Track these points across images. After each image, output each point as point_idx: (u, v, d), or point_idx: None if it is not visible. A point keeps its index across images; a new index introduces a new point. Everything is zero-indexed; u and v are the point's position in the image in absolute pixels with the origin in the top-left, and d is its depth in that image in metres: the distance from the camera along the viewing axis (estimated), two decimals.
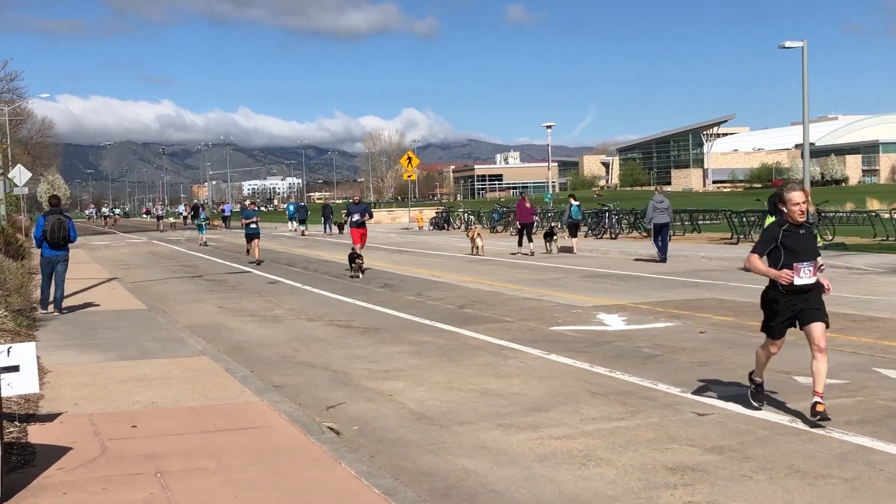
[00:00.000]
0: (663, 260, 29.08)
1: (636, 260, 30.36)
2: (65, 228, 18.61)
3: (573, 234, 35.34)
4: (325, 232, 61.56)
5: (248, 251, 34.75)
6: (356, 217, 30.08)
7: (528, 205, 35.45)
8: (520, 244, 34.70)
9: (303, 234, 59.26)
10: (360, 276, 26.27)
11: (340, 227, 59.56)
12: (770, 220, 24.41)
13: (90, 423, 9.33)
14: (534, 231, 36.85)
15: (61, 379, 11.69)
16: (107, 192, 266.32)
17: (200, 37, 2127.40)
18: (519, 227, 35.80)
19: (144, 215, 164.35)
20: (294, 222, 64.62)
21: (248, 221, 34.01)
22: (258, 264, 32.28)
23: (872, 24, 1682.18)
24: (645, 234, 40.14)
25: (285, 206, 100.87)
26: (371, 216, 31.67)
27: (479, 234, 35.96)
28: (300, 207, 65.92)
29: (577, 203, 36.47)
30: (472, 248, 35.34)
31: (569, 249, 34.65)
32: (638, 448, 8.41)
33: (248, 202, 39.15)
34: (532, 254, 34.01)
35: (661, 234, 29.62)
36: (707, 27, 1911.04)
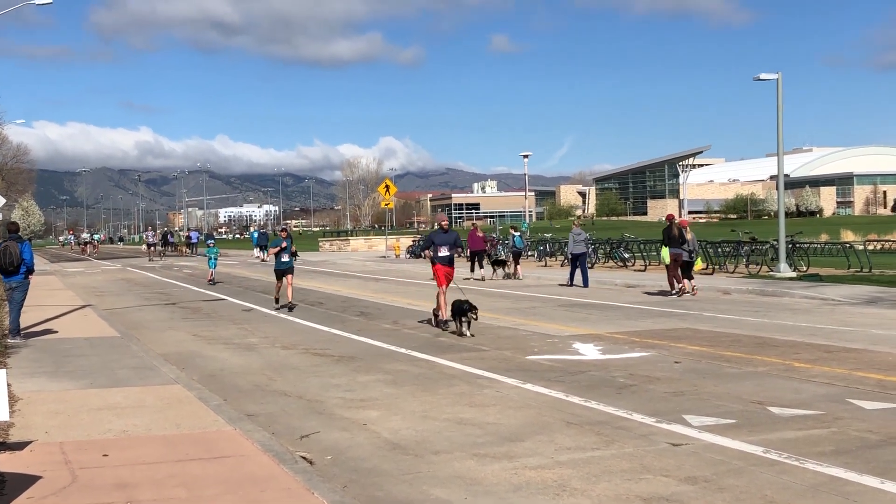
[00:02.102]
0: (585, 285, 31.51)
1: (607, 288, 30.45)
2: (12, 255, 18.25)
3: (516, 262, 37.76)
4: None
5: (276, 294, 26.08)
6: (444, 251, 20.50)
7: (479, 234, 38.34)
8: (472, 270, 37.23)
9: (263, 261, 60.41)
10: (469, 333, 18.81)
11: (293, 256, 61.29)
12: (665, 250, 27.92)
13: (61, 451, 9.23)
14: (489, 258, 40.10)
15: (32, 407, 11.58)
16: (82, 218, 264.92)
17: (185, 64, 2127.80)
18: (470, 254, 38.12)
19: (119, 242, 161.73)
20: (258, 248, 66.78)
21: (275, 251, 25.83)
22: (290, 310, 24.89)
23: (852, 57, 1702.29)
24: (620, 263, 41.90)
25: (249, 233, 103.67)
26: (462, 249, 22.80)
27: None
28: (262, 234, 69.60)
29: (519, 234, 39.21)
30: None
31: (513, 276, 36.97)
32: (612, 478, 8.39)
33: (279, 227, 28.39)
34: (483, 279, 36.13)
35: (580, 263, 32.19)
36: (685, 58, 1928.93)
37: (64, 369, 14.67)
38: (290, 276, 25.73)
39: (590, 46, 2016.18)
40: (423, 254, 20.34)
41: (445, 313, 19.81)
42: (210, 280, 37.88)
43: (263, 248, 63.44)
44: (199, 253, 77.69)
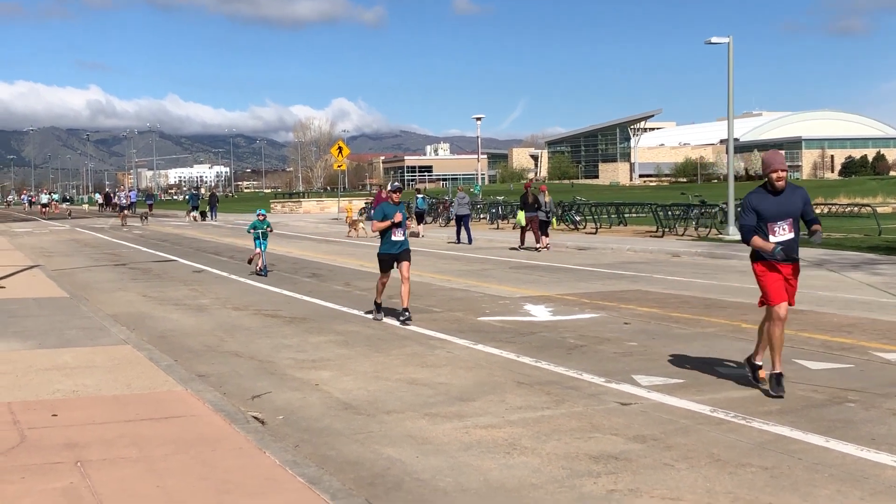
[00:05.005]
0: (469, 243, 35.72)
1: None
2: None
3: (420, 222, 42.86)
4: (211, 218, 67.16)
5: (379, 297, 16.23)
6: (785, 233, 10.01)
7: (384, 195, 43.23)
8: None
9: (194, 220, 65.43)
10: None
11: (203, 216, 66.37)
12: (521, 213, 32.24)
13: (9, 411, 9.15)
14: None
15: None
16: (29, 178, 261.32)
17: (142, 23, 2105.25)
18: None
19: (64, 203, 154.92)
20: (192, 209, 69.42)
21: (384, 227, 15.99)
22: (405, 321, 15.37)
23: (809, 22, 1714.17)
24: (572, 226, 42.46)
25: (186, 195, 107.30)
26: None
27: (358, 221, 44.14)
28: (193, 195, 74.21)
29: (422, 196, 44.87)
30: (353, 230, 42.91)
31: (415, 234, 39.80)
32: (562, 437, 8.47)
33: (388, 187, 18.47)
34: None
35: (464, 223, 36.45)
36: (638, 21, 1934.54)
37: (11, 329, 14.51)
38: (406, 265, 15.94)
39: (545, 8, 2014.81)
40: (750, 242, 9.82)
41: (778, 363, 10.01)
42: (259, 268, 24.03)
43: (196, 208, 67.93)
44: (137, 213, 78.06)
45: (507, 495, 7.02)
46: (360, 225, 43.38)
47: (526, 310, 16.88)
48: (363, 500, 6.69)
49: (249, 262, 24.63)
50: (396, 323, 15.48)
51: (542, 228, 31.73)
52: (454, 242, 36.50)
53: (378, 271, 16.25)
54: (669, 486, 7.12)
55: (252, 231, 24.19)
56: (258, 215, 24.73)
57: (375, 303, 16.21)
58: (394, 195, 16.54)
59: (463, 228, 36.45)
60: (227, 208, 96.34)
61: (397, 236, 15.99)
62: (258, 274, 23.69)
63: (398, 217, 15.81)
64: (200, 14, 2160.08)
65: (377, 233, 16.18)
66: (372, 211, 43.64)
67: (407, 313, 15.46)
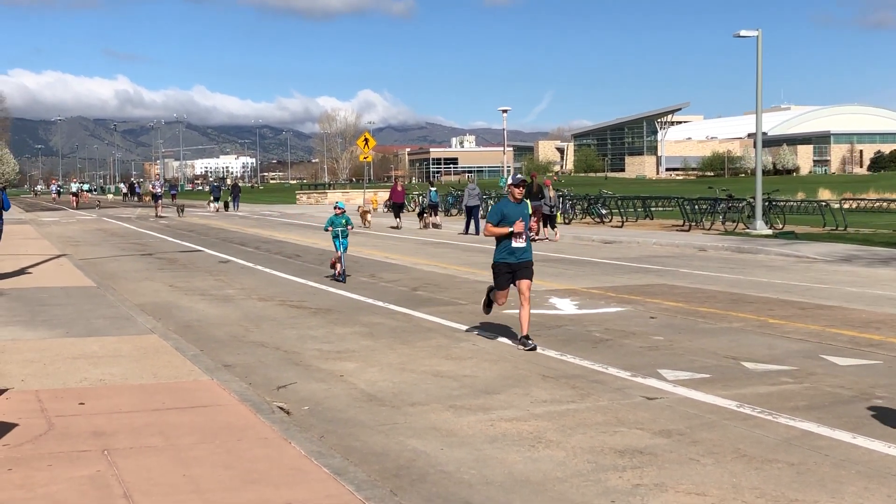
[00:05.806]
0: (477, 233, 36.50)
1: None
2: None
3: (434, 213, 43.57)
4: (234, 209, 68.55)
5: (524, 330, 12.55)
6: None
7: (399, 188, 46.01)
8: (396, 217, 43.68)
9: (217, 210, 66.89)
10: None
11: (226, 206, 68.08)
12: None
13: (37, 399, 9.21)
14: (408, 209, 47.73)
15: (7, 355, 11.53)
16: (57, 167, 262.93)
17: (171, 13, 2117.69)
18: (393, 206, 44.98)
19: (90, 192, 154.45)
20: (214, 199, 71.05)
21: (497, 233, 13.04)
22: (528, 350, 12.39)
23: (842, 16, 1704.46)
24: (598, 219, 42.32)
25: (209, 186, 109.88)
26: None
27: (368, 212, 44.98)
28: (215, 187, 76.30)
29: (435, 189, 45.81)
30: (364, 222, 43.17)
31: (436, 225, 41.87)
32: (587, 431, 8.45)
33: (509, 180, 13.52)
34: (399, 227, 41.70)
35: (473, 214, 37.93)
36: (667, 13, 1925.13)
37: (39, 318, 14.61)
38: (526, 283, 12.91)
39: (574, 0, 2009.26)
40: None
41: None
42: (337, 273, 20.57)
43: (217, 199, 69.83)
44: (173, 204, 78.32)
45: (531, 488, 7.01)
46: (369, 216, 44.30)
47: (551, 303, 16.84)
48: (388, 492, 6.69)
49: (332, 266, 20.64)
50: (421, 315, 15.49)
51: (547, 221, 32.96)
52: (462, 234, 37.30)
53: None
54: (695, 480, 7.09)
55: (330, 229, 20.57)
56: (336, 209, 20.76)
57: (518, 329, 12.81)
58: (515, 190, 13.15)
59: (472, 219, 37.66)
60: (252, 199, 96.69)
61: (518, 242, 12.89)
62: (335, 279, 20.34)
63: (519, 226, 12.80)
64: (229, 4, 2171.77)
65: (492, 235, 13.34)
66: (392, 203, 44.33)
67: (529, 342, 12.39)
